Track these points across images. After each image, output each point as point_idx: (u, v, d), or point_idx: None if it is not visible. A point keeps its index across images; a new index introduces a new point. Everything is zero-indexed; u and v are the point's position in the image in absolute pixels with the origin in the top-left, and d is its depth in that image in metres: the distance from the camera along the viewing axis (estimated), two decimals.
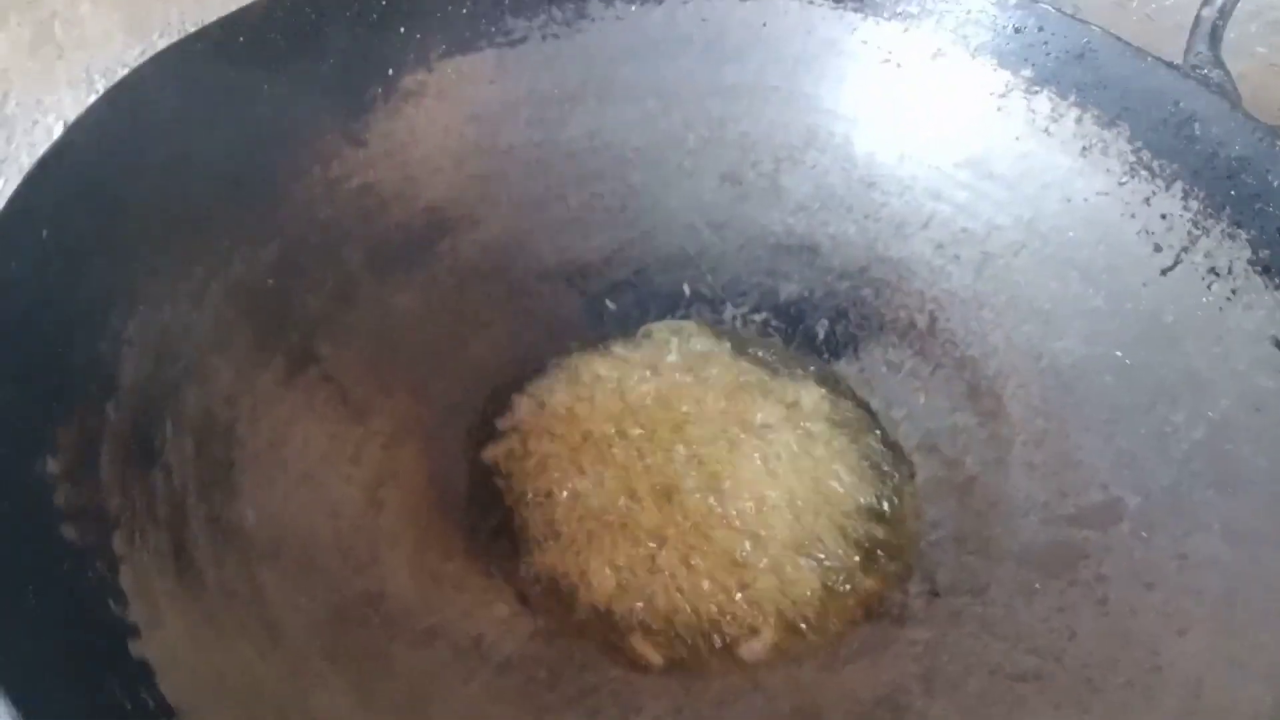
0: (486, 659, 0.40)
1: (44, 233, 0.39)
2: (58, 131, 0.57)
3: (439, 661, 0.39)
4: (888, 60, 0.56)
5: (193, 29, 0.60)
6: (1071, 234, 0.50)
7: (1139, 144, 0.49)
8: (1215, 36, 0.49)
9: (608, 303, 0.57)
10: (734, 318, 0.57)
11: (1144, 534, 0.42)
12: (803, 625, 0.44)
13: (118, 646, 0.31)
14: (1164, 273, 0.47)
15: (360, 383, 0.48)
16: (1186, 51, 0.48)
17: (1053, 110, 0.52)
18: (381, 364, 0.49)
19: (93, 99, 0.59)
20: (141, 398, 0.39)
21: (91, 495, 0.35)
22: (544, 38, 0.56)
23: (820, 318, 0.55)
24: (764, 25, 0.57)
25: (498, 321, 0.54)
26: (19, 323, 0.36)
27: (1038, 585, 0.42)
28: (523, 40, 0.56)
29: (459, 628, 0.41)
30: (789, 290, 0.56)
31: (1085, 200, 0.50)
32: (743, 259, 0.57)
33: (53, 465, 0.34)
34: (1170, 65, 0.48)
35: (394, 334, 0.50)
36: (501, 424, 0.52)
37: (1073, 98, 0.51)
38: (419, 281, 0.52)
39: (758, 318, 0.57)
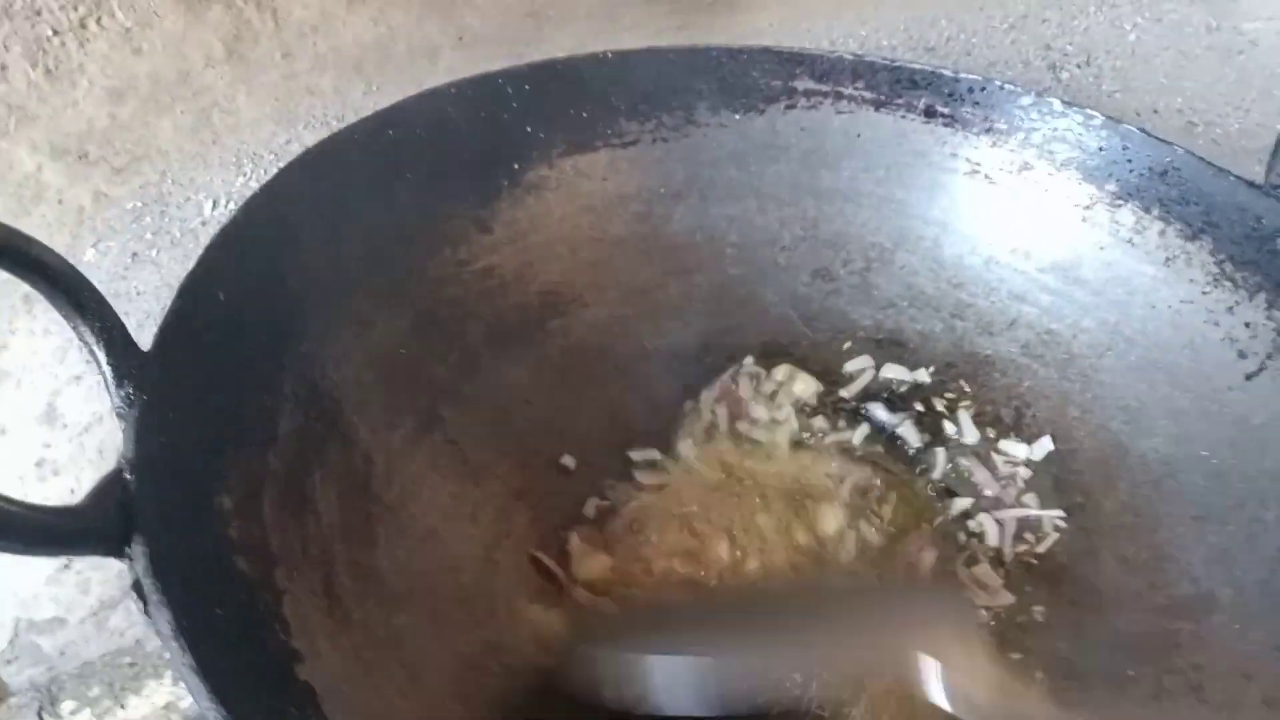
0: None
1: (221, 295, 0.43)
2: (208, 209, 0.63)
3: (559, 713, 0.41)
4: (976, 171, 0.60)
5: (335, 121, 0.67)
6: (1157, 339, 0.53)
7: (1222, 256, 0.52)
8: None
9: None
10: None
11: (1238, 626, 0.43)
12: None
13: (286, 669, 0.33)
14: (1249, 378, 0.49)
15: (478, 448, 0.51)
16: (1268, 171, 0.51)
17: (1136, 223, 0.55)
18: (497, 431, 0.52)
19: (240, 180, 0.65)
20: (295, 448, 0.43)
21: (257, 532, 0.38)
22: (654, 140, 0.61)
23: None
24: (859, 136, 0.62)
25: (600, 399, 0.57)
26: (203, 372, 0.40)
27: (1131, 672, 0.44)
28: (634, 142, 0.61)
29: (573, 681, 0.42)
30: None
31: (1170, 307, 0.53)
32: (833, 350, 0.60)
33: (226, 502, 0.37)
34: (1251, 184, 0.51)
35: (508, 404, 0.54)
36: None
37: (1156, 211, 0.54)
38: (532, 357, 0.56)
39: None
